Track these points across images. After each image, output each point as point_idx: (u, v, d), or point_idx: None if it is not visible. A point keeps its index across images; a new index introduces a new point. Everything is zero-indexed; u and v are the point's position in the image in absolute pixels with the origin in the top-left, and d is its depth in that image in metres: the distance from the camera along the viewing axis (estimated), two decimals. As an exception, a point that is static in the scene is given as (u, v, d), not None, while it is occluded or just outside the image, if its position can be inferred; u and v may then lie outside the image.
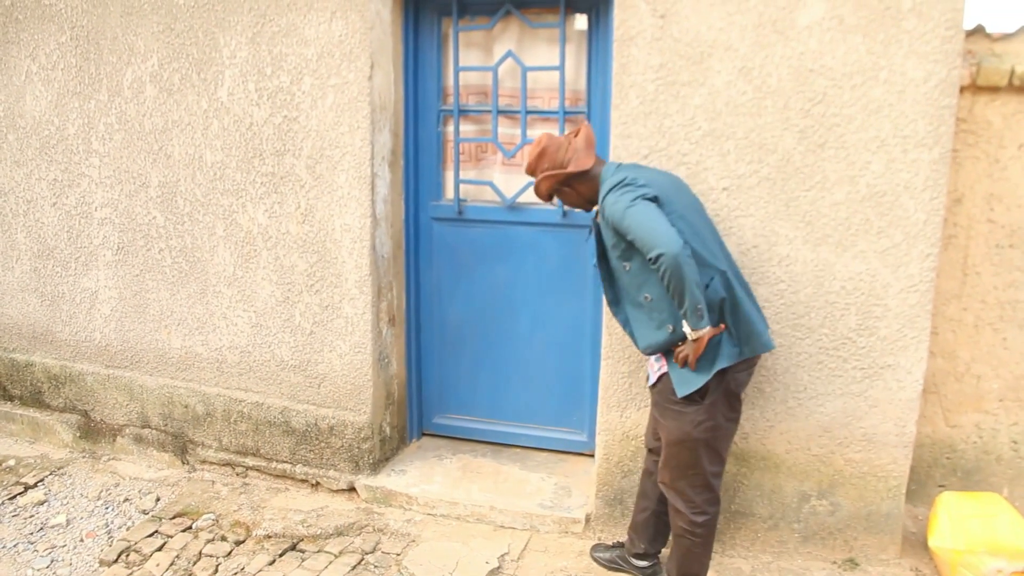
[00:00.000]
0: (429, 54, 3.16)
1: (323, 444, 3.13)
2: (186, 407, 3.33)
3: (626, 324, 2.34)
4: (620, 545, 2.66)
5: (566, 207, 2.43)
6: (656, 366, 2.28)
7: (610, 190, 2.15)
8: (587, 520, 2.84)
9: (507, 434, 3.37)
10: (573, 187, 2.32)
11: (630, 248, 2.12)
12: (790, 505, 2.69)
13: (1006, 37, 2.88)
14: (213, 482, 3.24)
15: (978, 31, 2.89)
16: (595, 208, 2.33)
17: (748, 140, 2.54)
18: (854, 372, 2.58)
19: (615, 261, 2.20)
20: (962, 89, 2.77)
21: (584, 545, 2.77)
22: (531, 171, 2.36)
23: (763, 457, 2.68)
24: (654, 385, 2.30)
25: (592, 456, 3.12)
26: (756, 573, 2.62)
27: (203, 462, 3.34)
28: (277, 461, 3.21)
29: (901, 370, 2.55)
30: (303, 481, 3.17)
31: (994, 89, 2.80)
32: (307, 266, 3.06)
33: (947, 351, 2.93)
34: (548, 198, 2.38)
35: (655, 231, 1.98)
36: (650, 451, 2.51)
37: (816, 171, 2.51)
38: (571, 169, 2.28)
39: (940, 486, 2.98)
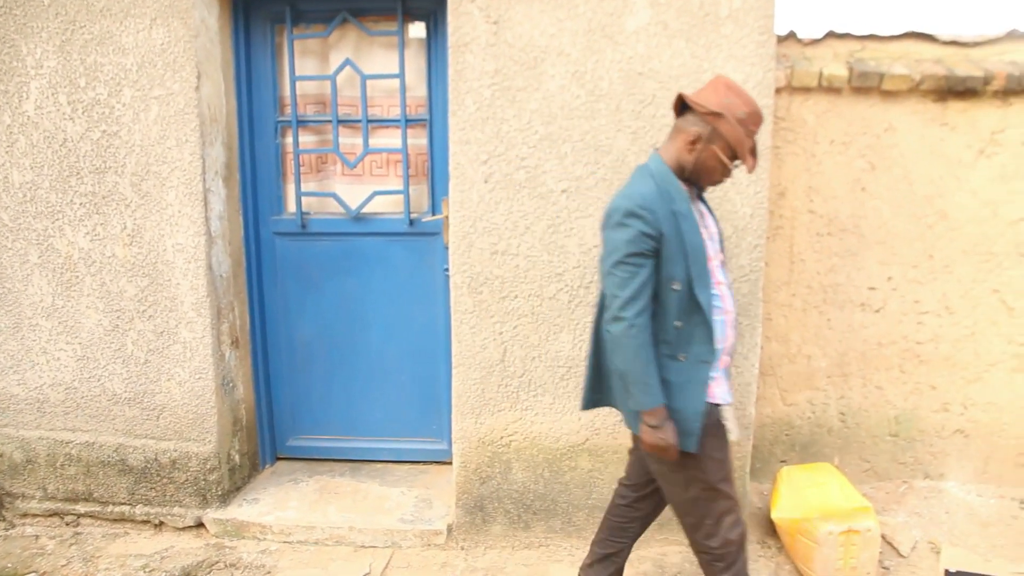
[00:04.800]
0: (263, 63, 3.03)
1: (166, 480, 2.91)
2: (0, 456, 2.99)
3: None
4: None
5: (698, 168, 1.95)
6: None
7: None
8: (449, 530, 2.80)
9: (366, 450, 3.28)
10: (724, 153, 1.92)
11: None
12: (645, 495, 2.77)
13: (815, 42, 3.12)
14: (37, 536, 2.92)
15: (791, 37, 3.12)
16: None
17: (584, 142, 2.60)
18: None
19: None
20: (779, 90, 2.97)
21: (447, 556, 2.73)
22: (721, 104, 1.88)
23: (615, 451, 2.74)
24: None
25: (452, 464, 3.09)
26: (617, 565, 2.67)
27: (24, 516, 3.00)
28: (114, 504, 2.95)
29: (738, 356, 2.68)
30: (145, 522, 2.93)
31: (807, 90, 3.02)
32: (137, 291, 2.84)
33: (780, 335, 3.13)
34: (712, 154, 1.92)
35: None
36: (624, 485, 2.30)
37: (649, 170, 2.60)
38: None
39: (782, 461, 3.17)
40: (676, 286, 1.89)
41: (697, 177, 1.97)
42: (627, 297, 1.84)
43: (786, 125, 3.05)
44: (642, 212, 1.84)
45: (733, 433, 2.07)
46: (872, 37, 3.10)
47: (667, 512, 2.76)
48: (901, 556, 2.66)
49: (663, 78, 2.57)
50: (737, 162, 1.93)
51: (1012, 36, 3.04)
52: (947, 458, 3.17)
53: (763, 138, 2.58)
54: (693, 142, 1.91)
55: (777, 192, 3.06)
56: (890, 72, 2.94)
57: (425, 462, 3.28)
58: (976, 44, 3.06)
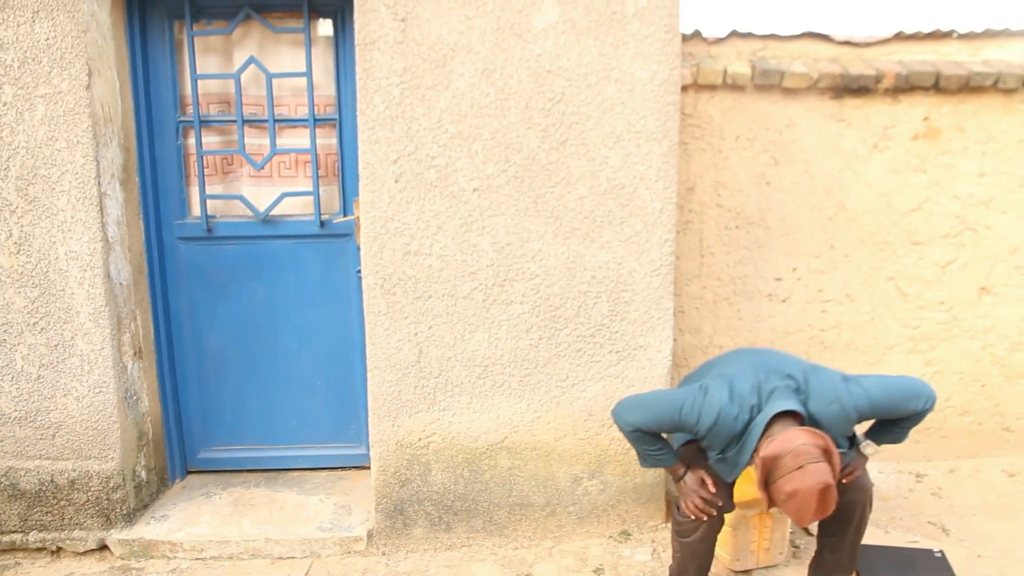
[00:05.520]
0: (162, 61, 2.90)
1: (64, 502, 2.75)
2: None
3: None
4: None
5: None
6: None
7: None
8: (369, 536, 2.75)
9: (282, 458, 3.19)
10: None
11: None
12: (564, 490, 2.79)
13: (719, 41, 3.20)
14: (-89, 575, 2.72)
15: (696, 35, 3.19)
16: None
17: (495, 140, 2.59)
18: (610, 356, 2.72)
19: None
20: (685, 87, 3.04)
21: (368, 562, 2.68)
22: (776, 490, 2.04)
23: (534, 448, 2.75)
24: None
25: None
26: (539, 560, 2.68)
27: None
28: (3, 533, 2.76)
29: (651, 349, 2.73)
30: (40, 550, 2.76)
31: (712, 87, 3.10)
32: (27, 302, 2.67)
33: (693, 327, 3.21)
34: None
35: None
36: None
37: (560, 168, 2.62)
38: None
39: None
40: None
41: None
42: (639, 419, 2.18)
43: (693, 122, 3.13)
44: (705, 424, 2.09)
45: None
46: (773, 37, 3.21)
47: (587, 506, 2.80)
48: (811, 534, 2.76)
49: (572, 76, 2.58)
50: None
51: (899, 37, 3.20)
52: (851, 439, 3.31)
53: (670, 135, 2.63)
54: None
55: (686, 187, 3.14)
56: (790, 70, 3.05)
57: (344, 468, 3.21)
58: (868, 44, 3.21)
